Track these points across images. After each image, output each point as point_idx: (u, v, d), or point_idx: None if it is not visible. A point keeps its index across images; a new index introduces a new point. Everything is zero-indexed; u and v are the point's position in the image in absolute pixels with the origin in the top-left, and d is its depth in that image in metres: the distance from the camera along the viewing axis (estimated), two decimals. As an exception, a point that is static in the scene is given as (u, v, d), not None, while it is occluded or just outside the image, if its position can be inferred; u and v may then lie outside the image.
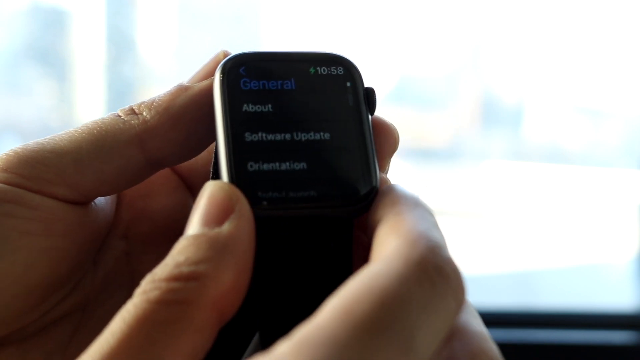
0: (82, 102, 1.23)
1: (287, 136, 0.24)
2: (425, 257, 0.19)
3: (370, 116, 0.26)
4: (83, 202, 0.26)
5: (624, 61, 1.25)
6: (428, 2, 1.29)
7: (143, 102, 0.26)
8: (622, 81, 1.27)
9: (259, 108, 0.24)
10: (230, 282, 0.20)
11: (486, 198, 1.35)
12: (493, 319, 0.90)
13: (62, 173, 0.25)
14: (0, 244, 0.24)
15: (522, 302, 0.99)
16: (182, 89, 0.26)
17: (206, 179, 0.28)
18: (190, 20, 1.30)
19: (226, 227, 0.21)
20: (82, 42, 1.19)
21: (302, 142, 0.24)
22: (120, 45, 1.26)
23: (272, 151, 0.24)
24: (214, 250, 0.20)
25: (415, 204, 0.22)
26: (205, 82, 0.26)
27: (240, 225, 0.21)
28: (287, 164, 0.24)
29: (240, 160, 0.23)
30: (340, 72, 0.26)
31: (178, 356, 0.19)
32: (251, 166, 0.23)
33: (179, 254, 0.21)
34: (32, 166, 0.25)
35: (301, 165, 0.24)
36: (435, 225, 0.22)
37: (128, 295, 0.28)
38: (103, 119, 0.26)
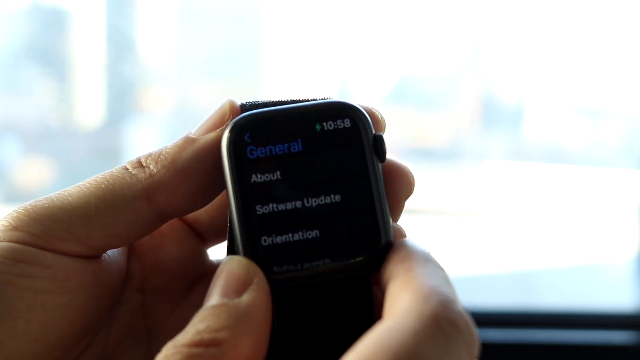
0: (82, 102, 1.23)
1: (298, 204, 0.25)
2: (438, 311, 0.20)
3: (380, 164, 0.25)
4: (94, 256, 0.27)
5: (624, 61, 1.25)
6: (428, 2, 1.29)
7: (150, 154, 0.27)
8: (622, 81, 1.27)
9: (267, 177, 0.25)
10: (249, 350, 0.22)
11: (486, 198, 1.35)
12: (493, 319, 0.90)
13: (71, 229, 0.25)
14: (16, 303, 0.24)
15: (522, 302, 0.99)
16: (188, 141, 0.27)
17: (214, 227, 0.30)
18: (190, 20, 1.30)
19: (245, 298, 0.22)
20: (82, 42, 1.19)
21: (312, 207, 0.25)
22: (120, 45, 1.26)
23: (283, 222, 0.24)
24: (233, 319, 0.22)
25: (426, 260, 0.23)
26: (211, 135, 0.26)
27: (258, 296, 0.23)
28: (300, 233, 0.24)
29: (253, 235, 0.24)
30: (347, 124, 0.25)
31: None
32: (264, 240, 0.24)
33: (199, 322, 0.22)
34: (42, 223, 0.25)
35: (314, 233, 0.24)
36: (446, 280, 0.22)
37: (145, 348, 0.29)
38: (111, 172, 0.27)
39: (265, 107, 0.26)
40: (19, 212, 0.26)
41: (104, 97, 1.24)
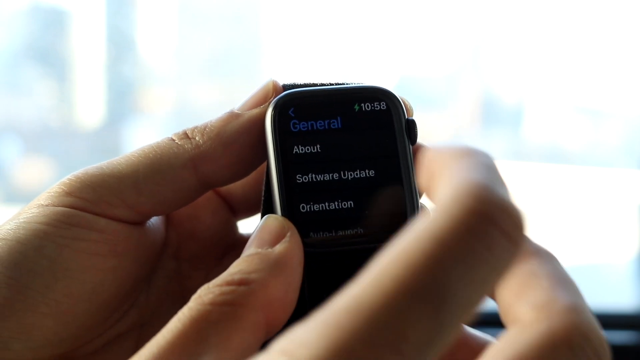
0: (82, 102, 1.23)
1: (335, 176, 0.26)
2: (472, 206, 0.17)
3: (411, 146, 0.27)
4: (140, 222, 0.28)
5: (624, 61, 1.25)
6: (428, 2, 1.29)
7: (196, 127, 0.28)
8: (622, 81, 1.27)
9: (308, 149, 0.26)
10: (278, 292, 0.23)
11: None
12: (494, 319, 0.90)
13: (121, 195, 0.27)
14: (71, 265, 0.26)
15: (522, 302, 0.99)
16: (233, 116, 0.28)
17: (246, 200, 0.32)
18: (190, 20, 1.30)
19: (277, 247, 0.24)
20: (82, 42, 1.19)
21: (348, 180, 0.26)
22: (120, 45, 1.26)
23: (321, 192, 0.26)
24: (264, 263, 0.23)
25: (464, 150, 0.21)
26: (255, 111, 0.28)
27: (290, 247, 0.24)
28: (335, 203, 0.26)
29: (292, 202, 0.26)
30: (383, 107, 0.27)
31: (228, 352, 0.21)
32: (303, 207, 0.26)
33: (233, 267, 0.23)
34: (94, 190, 0.27)
35: (348, 204, 0.26)
36: (488, 166, 0.20)
37: None
38: (157, 142, 0.28)
39: (305, 87, 0.29)
40: (71, 179, 0.27)
41: (104, 97, 1.25)
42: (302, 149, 0.26)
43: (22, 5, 1.19)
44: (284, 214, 0.26)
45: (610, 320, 0.93)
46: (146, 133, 1.28)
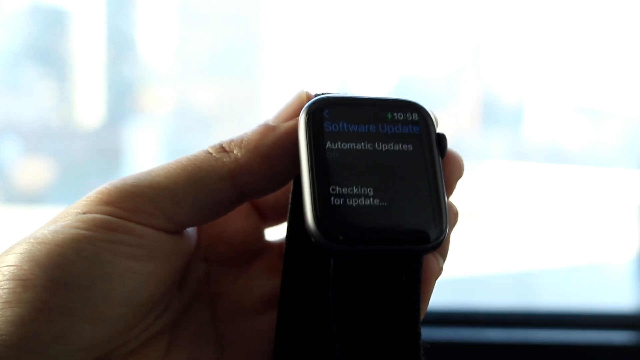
0: (82, 102, 1.23)
1: (368, 178, 0.26)
2: None
3: (441, 159, 0.28)
4: (177, 231, 0.29)
5: (624, 61, 1.25)
6: (428, 2, 1.29)
7: (232, 140, 0.29)
8: (622, 81, 1.27)
9: (341, 148, 0.27)
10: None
11: (486, 198, 1.35)
12: (493, 319, 0.90)
13: (160, 206, 0.27)
14: (109, 268, 0.26)
15: (522, 302, 0.99)
16: (269, 129, 0.29)
17: (276, 207, 0.33)
18: (190, 20, 1.30)
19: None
20: (82, 42, 1.19)
21: (380, 186, 0.26)
22: (120, 45, 1.26)
23: (354, 192, 0.26)
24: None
25: None
26: (291, 123, 0.29)
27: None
28: (367, 202, 0.26)
29: (323, 195, 0.26)
30: (415, 118, 0.28)
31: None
32: (333, 201, 0.26)
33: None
34: (133, 200, 0.27)
35: (380, 205, 0.26)
36: None
37: (209, 315, 0.32)
38: (195, 155, 0.29)
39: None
40: (109, 188, 0.28)
41: (104, 97, 1.25)
42: (335, 146, 0.27)
43: (22, 5, 1.19)
44: (313, 206, 0.26)
45: (610, 320, 0.94)
46: (146, 133, 1.28)
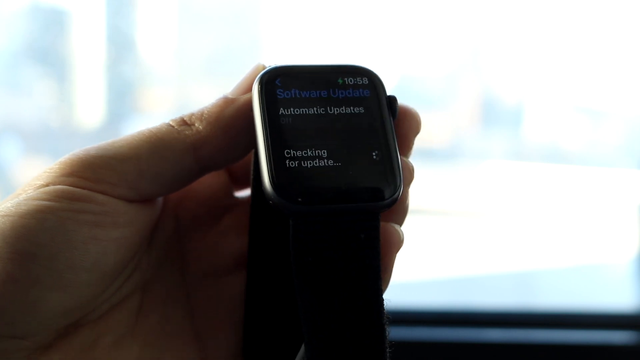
0: (82, 102, 1.23)
1: (321, 141, 0.27)
2: None
3: (393, 120, 0.29)
4: (140, 201, 0.29)
5: (624, 61, 1.25)
6: (428, 2, 1.29)
7: (192, 114, 0.30)
8: (622, 81, 1.27)
9: (294, 112, 0.28)
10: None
11: (486, 198, 1.35)
12: (493, 319, 0.90)
13: (123, 177, 0.28)
14: (73, 236, 0.26)
15: (522, 302, 0.99)
16: (228, 101, 0.30)
17: (243, 165, 0.33)
18: (190, 20, 1.30)
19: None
20: (82, 42, 1.19)
21: (334, 145, 0.27)
22: (120, 45, 1.26)
23: (308, 154, 0.27)
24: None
25: None
26: (249, 95, 0.29)
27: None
28: (322, 163, 0.27)
29: (278, 159, 0.26)
30: (365, 82, 0.29)
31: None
32: (288, 164, 0.26)
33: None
34: (95, 170, 0.28)
35: (334, 166, 0.27)
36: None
37: (180, 271, 0.32)
38: (157, 127, 0.29)
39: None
40: (72, 159, 0.28)
41: (104, 97, 1.25)
42: (288, 112, 0.27)
43: (22, 5, 1.19)
44: (269, 170, 0.26)
45: (610, 320, 0.94)
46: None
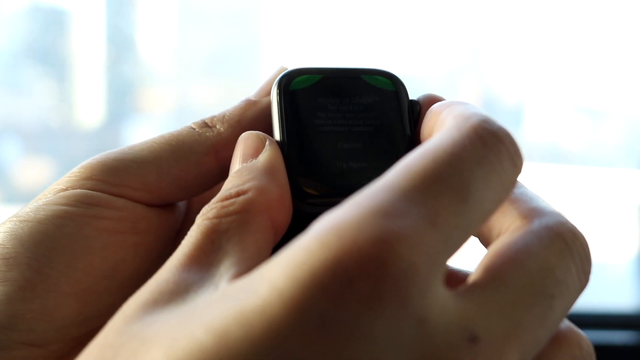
0: (82, 102, 1.23)
1: (337, 138, 0.27)
2: (478, 124, 0.20)
3: (414, 125, 0.28)
4: (162, 206, 0.29)
5: (624, 61, 1.25)
6: (428, 2, 1.29)
7: (214, 116, 0.29)
8: (622, 81, 1.27)
9: (313, 114, 0.27)
10: (274, 194, 0.23)
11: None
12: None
13: (144, 180, 0.27)
14: (92, 243, 0.26)
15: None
16: (250, 104, 0.29)
17: None
18: (190, 20, 1.30)
19: (261, 157, 0.25)
20: (82, 42, 1.19)
21: (354, 149, 0.27)
22: (120, 45, 1.26)
23: (322, 150, 0.26)
24: (254, 172, 0.24)
25: (459, 101, 0.24)
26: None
27: (272, 152, 0.25)
28: (341, 167, 0.26)
29: (295, 163, 0.26)
30: (388, 86, 0.28)
31: (244, 253, 0.21)
32: (306, 168, 0.26)
33: (225, 184, 0.24)
34: (116, 173, 0.27)
35: (354, 169, 0.26)
36: (482, 111, 0.23)
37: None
38: (178, 131, 0.29)
39: None
40: (92, 162, 0.28)
41: (104, 97, 1.25)
42: (307, 115, 0.27)
43: (22, 5, 1.19)
44: (290, 179, 0.26)
45: (610, 320, 0.94)
46: (146, 133, 1.28)
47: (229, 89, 1.29)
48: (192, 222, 0.31)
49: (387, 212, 0.17)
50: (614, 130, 1.39)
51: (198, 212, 0.31)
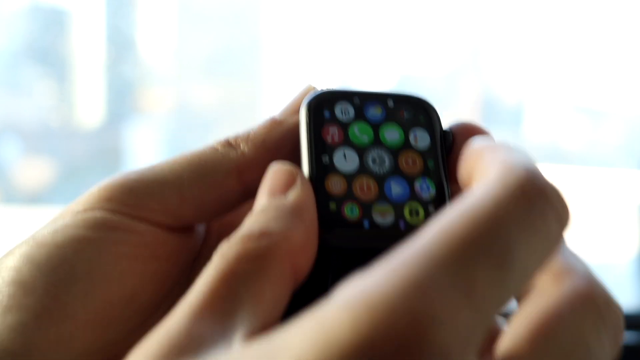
0: (82, 102, 1.23)
1: (366, 167, 0.26)
2: (524, 179, 0.19)
3: (447, 155, 0.27)
4: (181, 229, 0.28)
5: (624, 61, 1.25)
6: (428, 2, 1.29)
7: (238, 136, 0.28)
8: (622, 81, 1.27)
9: (343, 139, 0.26)
10: (300, 240, 0.22)
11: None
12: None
13: (164, 202, 0.26)
14: (110, 269, 0.25)
15: (522, 302, 0.99)
16: (275, 123, 0.28)
17: None
18: (190, 20, 1.30)
19: (291, 195, 0.23)
20: (82, 42, 1.19)
21: (379, 174, 0.26)
22: (120, 45, 1.26)
23: (349, 179, 0.25)
24: (281, 213, 0.22)
25: (504, 144, 0.23)
26: (297, 117, 0.28)
27: (303, 192, 0.23)
28: (364, 194, 0.25)
29: (323, 189, 0.25)
30: (420, 113, 0.27)
31: (260, 304, 0.20)
32: (334, 195, 0.25)
33: (250, 221, 0.22)
34: (136, 196, 0.26)
35: (377, 197, 0.25)
36: (529, 157, 0.22)
37: None
38: (200, 150, 0.28)
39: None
40: (111, 184, 0.26)
41: (104, 97, 1.25)
42: (336, 139, 0.26)
43: (22, 5, 1.19)
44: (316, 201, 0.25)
45: (610, 320, 0.93)
46: (146, 133, 1.28)
47: (229, 89, 1.29)
48: (210, 248, 0.30)
49: (423, 286, 0.16)
50: (614, 130, 1.39)
51: (217, 237, 0.31)
